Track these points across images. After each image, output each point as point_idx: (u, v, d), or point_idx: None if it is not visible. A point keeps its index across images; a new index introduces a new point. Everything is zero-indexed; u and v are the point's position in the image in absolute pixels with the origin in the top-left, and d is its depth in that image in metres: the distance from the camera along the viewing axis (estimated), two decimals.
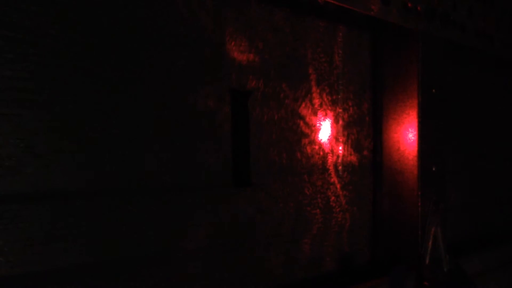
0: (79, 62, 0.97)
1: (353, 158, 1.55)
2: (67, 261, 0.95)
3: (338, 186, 1.49)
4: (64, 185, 0.95)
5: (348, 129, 1.53)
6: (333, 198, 1.48)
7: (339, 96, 1.49)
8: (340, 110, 1.50)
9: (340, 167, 1.50)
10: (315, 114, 1.42)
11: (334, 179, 1.48)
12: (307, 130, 1.40)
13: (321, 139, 1.44)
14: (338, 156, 1.49)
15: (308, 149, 1.41)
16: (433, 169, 1.59)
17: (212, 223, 1.18)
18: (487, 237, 2.10)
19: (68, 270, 0.95)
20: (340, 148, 1.50)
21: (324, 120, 1.45)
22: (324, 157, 1.45)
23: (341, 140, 1.50)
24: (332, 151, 1.48)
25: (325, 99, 1.45)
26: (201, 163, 1.16)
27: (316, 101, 1.42)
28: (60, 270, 0.94)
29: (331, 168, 1.48)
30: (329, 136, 1.47)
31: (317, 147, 1.43)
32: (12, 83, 0.89)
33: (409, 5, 1.47)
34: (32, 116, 0.91)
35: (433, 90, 1.58)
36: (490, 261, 1.88)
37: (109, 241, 1.01)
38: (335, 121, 1.48)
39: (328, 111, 1.46)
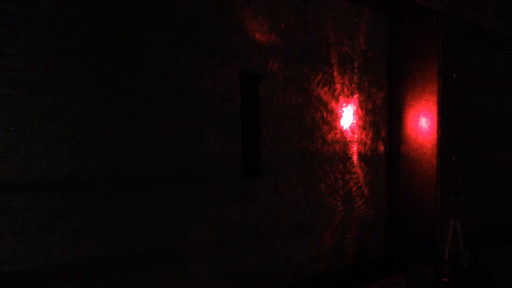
0: (77, 38, 0.87)
1: (370, 147, 1.46)
2: (62, 257, 0.86)
3: (351, 176, 1.41)
4: (58, 174, 0.86)
5: (367, 116, 1.44)
6: (344, 191, 1.39)
7: (360, 81, 1.41)
8: (361, 96, 1.42)
9: (358, 156, 1.42)
10: (337, 100, 1.34)
11: (351, 168, 1.40)
12: (328, 117, 1.32)
13: (342, 126, 1.36)
14: (357, 144, 1.41)
15: (330, 137, 1.33)
16: (453, 158, 1.50)
17: (226, 214, 1.10)
18: (505, 231, 2.02)
19: (64, 267, 0.86)
20: (358, 136, 1.41)
21: (345, 106, 1.37)
22: (345, 145, 1.37)
23: (360, 127, 1.42)
24: (352, 138, 1.40)
25: (347, 84, 1.36)
26: (208, 152, 1.07)
27: (338, 86, 1.34)
28: (55, 268, 0.85)
29: (351, 156, 1.40)
30: (350, 123, 1.39)
31: (338, 134, 1.35)
32: (0, 60, 0.79)
33: None
34: (23, 97, 0.82)
35: (454, 75, 1.49)
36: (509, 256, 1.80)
37: (109, 235, 0.92)
38: (356, 107, 1.40)
39: (350, 97, 1.38)
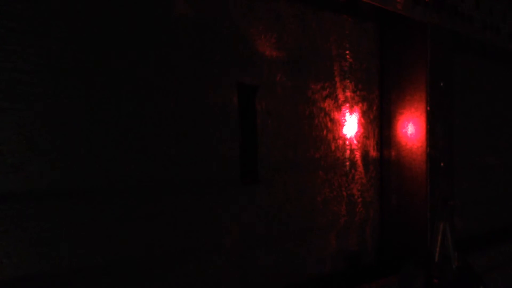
0: (86, 54, 0.93)
1: (365, 154, 1.51)
2: (75, 262, 0.91)
3: (354, 181, 1.47)
4: (70, 183, 0.91)
5: (364, 124, 1.50)
6: (347, 193, 1.45)
7: (357, 92, 1.48)
8: (359, 106, 1.49)
9: (355, 162, 1.48)
10: (339, 110, 1.42)
11: (350, 174, 1.46)
12: (330, 125, 1.40)
13: (345, 134, 1.45)
14: (354, 151, 1.48)
15: (333, 145, 1.41)
16: (441, 164, 1.56)
17: (236, 218, 1.17)
18: (495, 233, 2.07)
19: (76, 272, 0.91)
20: (355, 143, 1.48)
21: (347, 116, 1.45)
22: (345, 152, 1.45)
23: (358, 135, 1.49)
24: (351, 146, 1.47)
25: (346, 95, 1.44)
26: (213, 160, 1.12)
27: (340, 97, 1.42)
28: (67, 272, 0.90)
29: (349, 162, 1.47)
30: (349, 132, 1.47)
31: (341, 142, 1.43)
32: (13, 75, 0.85)
33: None
34: (36, 111, 0.87)
35: (441, 83, 1.55)
36: (499, 257, 1.86)
37: (117, 241, 0.97)
38: (355, 117, 1.47)
39: (349, 107, 1.46)
